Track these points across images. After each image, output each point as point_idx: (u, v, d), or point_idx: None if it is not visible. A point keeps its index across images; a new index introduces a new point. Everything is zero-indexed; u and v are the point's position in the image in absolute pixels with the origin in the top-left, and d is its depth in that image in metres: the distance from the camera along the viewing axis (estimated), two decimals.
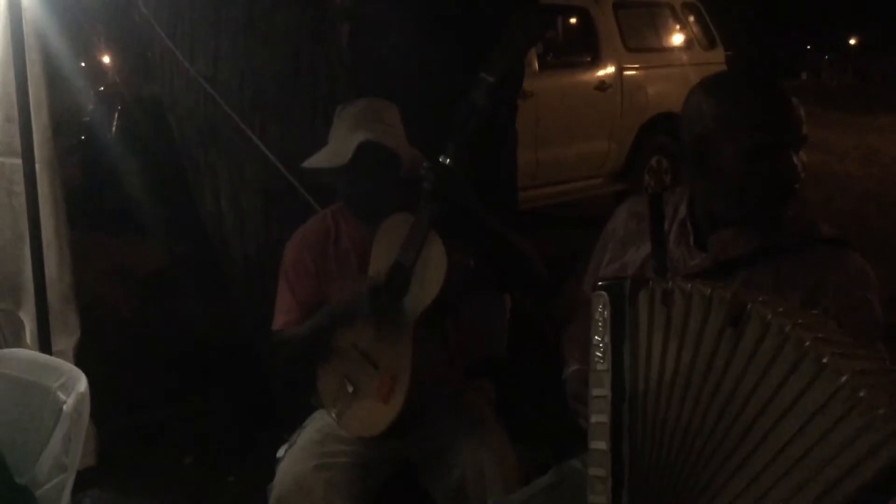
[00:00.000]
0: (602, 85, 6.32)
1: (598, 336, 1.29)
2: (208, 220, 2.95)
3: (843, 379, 1.05)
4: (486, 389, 2.06)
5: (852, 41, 34.39)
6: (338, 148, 1.92)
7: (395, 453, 1.92)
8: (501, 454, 1.80)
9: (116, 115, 6.75)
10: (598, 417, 1.29)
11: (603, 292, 1.29)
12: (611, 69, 6.40)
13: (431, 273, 1.78)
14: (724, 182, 1.41)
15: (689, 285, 1.23)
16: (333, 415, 1.94)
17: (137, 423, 3.10)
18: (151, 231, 5.09)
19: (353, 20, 2.84)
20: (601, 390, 1.28)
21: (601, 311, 1.29)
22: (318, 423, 1.98)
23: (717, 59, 7.36)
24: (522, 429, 2.00)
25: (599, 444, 1.29)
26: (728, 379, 1.17)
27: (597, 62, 6.37)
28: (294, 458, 1.88)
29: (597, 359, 1.29)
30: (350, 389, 1.90)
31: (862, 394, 1.03)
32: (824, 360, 1.07)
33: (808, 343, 1.09)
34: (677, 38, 7.18)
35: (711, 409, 1.18)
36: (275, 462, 1.93)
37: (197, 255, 3.67)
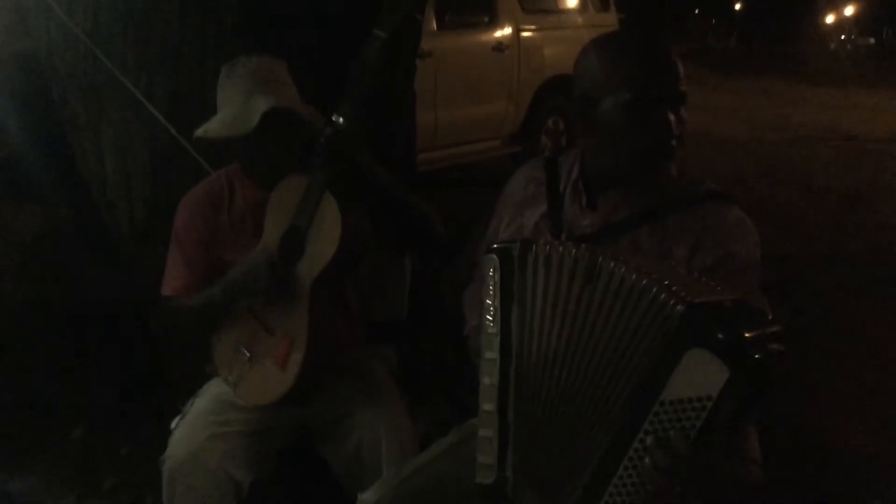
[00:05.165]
0: (500, 46, 6.33)
1: (489, 299, 1.31)
2: (92, 182, 2.81)
3: (662, 297, 1.11)
4: (386, 356, 2.04)
5: (737, 6, 35.61)
6: (237, 114, 1.80)
7: (292, 421, 1.89)
8: (398, 423, 1.79)
9: None
10: (488, 379, 1.32)
11: (493, 255, 1.31)
12: (508, 30, 6.41)
13: (326, 235, 1.74)
14: (606, 136, 1.43)
15: (561, 248, 1.25)
16: (230, 383, 1.89)
17: (23, 395, 2.95)
18: (31, 194, 4.82)
19: None
20: (491, 353, 1.31)
21: (491, 275, 1.31)
22: (212, 392, 1.92)
23: (610, 21, 7.47)
24: (424, 390, 2.00)
25: (488, 406, 1.32)
26: (591, 336, 1.20)
27: (494, 23, 6.36)
28: (187, 428, 1.83)
29: (487, 321, 1.32)
30: (246, 356, 1.85)
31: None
32: (661, 297, 1.11)
33: (644, 283, 1.14)
34: (572, 1, 7.24)
35: (581, 368, 1.22)
36: (168, 433, 1.87)
37: (81, 218, 3.49)
